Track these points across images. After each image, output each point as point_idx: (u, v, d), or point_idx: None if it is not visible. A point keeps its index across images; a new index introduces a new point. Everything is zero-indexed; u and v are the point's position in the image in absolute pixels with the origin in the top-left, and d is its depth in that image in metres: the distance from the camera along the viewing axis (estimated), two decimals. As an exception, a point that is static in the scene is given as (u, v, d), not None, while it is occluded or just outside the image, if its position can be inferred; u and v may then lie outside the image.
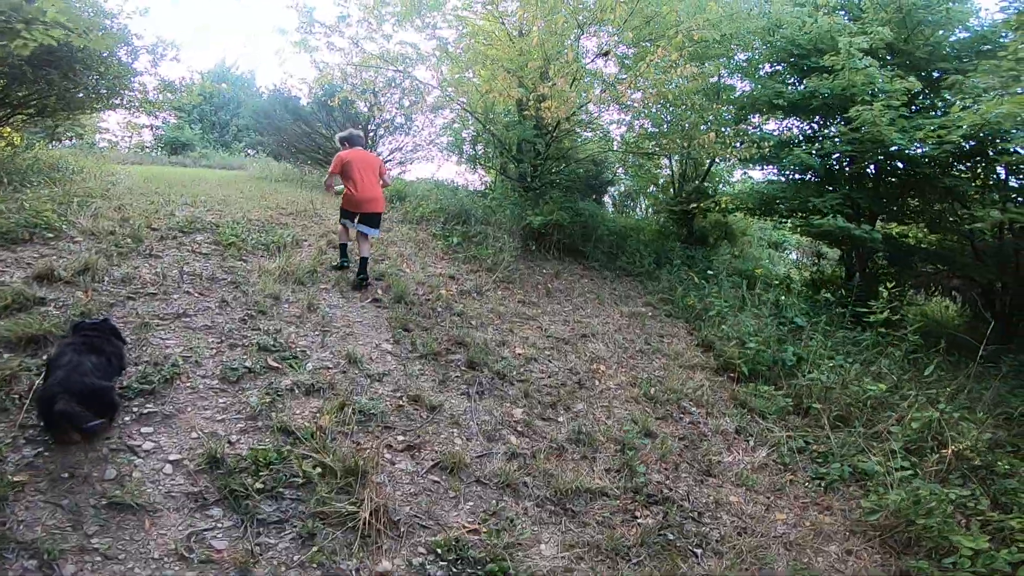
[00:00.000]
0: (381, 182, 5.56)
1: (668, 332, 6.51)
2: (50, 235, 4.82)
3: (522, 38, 7.74)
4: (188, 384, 3.40)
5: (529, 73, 7.45)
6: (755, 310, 6.64)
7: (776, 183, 9.41)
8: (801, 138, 9.44)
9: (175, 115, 22.33)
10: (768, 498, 3.89)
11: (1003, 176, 7.90)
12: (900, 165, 8.32)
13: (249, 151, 21.30)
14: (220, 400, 3.35)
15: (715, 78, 9.71)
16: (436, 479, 3.25)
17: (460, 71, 8.35)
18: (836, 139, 7.93)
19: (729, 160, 10.36)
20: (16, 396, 2.90)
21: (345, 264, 5.58)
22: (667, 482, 3.81)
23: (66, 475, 2.59)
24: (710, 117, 8.74)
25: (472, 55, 7.92)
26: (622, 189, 16.94)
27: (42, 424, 2.72)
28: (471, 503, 3.16)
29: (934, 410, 4.43)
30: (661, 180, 13.14)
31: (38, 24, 3.39)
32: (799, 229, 9.82)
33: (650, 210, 15.10)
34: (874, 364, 5.60)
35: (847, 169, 8.61)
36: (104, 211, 5.79)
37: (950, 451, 4.01)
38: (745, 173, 13.62)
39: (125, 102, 8.52)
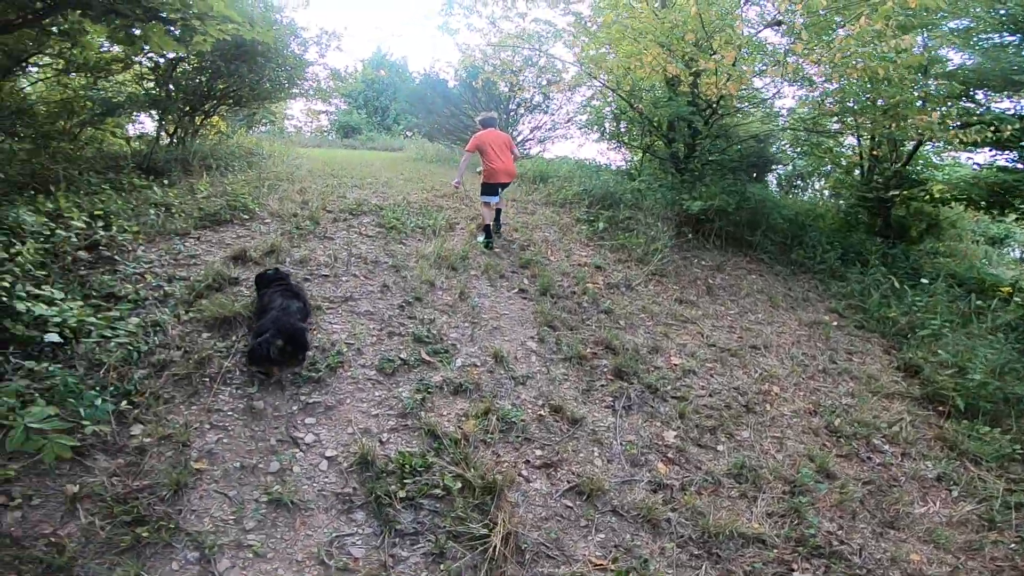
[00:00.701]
0: (513, 156, 6.06)
1: (859, 348, 5.44)
2: (246, 216, 5.40)
3: (666, 10, 6.87)
4: (349, 374, 3.52)
5: (685, 46, 6.56)
6: (986, 334, 5.22)
7: (1014, 171, 7.30)
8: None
9: (344, 101, 24.67)
10: (958, 558, 3.21)
11: None
12: None
13: (407, 133, 22.75)
14: (376, 393, 3.42)
15: (918, 49, 7.78)
16: (569, 504, 2.99)
17: (598, 47, 7.66)
18: None
19: (942, 142, 8.33)
20: (207, 378, 3.20)
21: (491, 244, 5.80)
22: (839, 532, 3.21)
23: (238, 464, 2.78)
24: (918, 93, 7.03)
25: (616, 30, 7.21)
26: (790, 168, 14.88)
27: (249, 357, 3.22)
28: (603, 535, 2.86)
29: None
30: (844, 160, 11.13)
31: (209, 19, 3.61)
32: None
33: (825, 193, 13.04)
34: None
35: None
36: (289, 194, 6.38)
37: None
38: (956, 157, 11.00)
39: (303, 90, 9.38)
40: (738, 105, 8.24)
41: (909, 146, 9.33)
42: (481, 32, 8.42)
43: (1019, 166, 7.63)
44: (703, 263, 6.61)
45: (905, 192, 8.74)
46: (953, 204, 8.57)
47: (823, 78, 7.06)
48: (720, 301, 5.81)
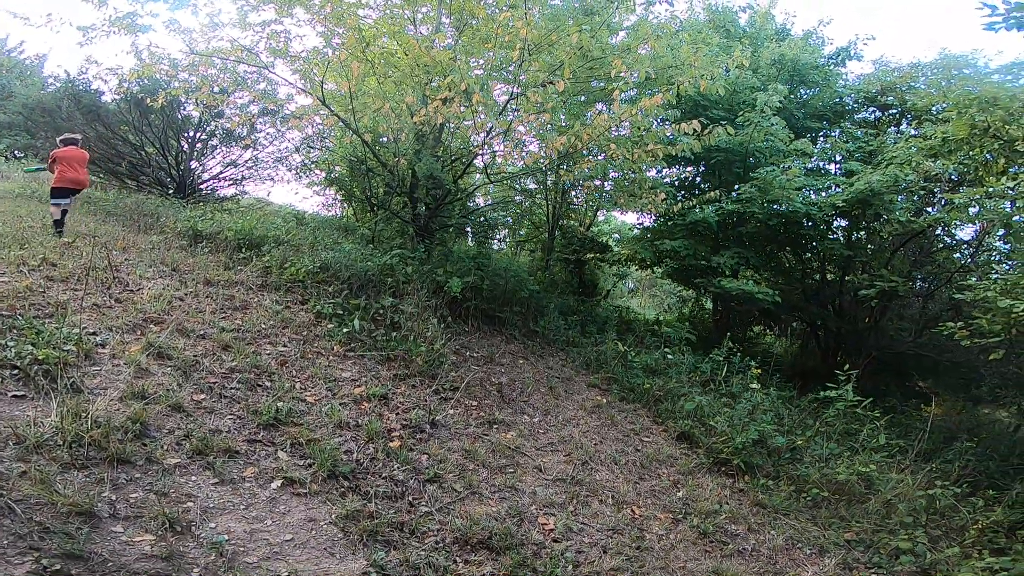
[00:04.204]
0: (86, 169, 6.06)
1: (638, 425, 4.97)
2: None
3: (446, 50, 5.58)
4: None
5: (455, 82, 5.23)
6: (712, 392, 5.48)
7: (674, 236, 8.38)
8: (684, 192, 8.85)
9: None
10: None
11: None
12: (782, 225, 8.02)
13: (16, 153, 14.56)
14: None
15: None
16: None
17: (350, 80, 5.61)
18: (744, 198, 7.31)
19: (618, 207, 9.39)
20: None
21: (61, 234, 5.41)
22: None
23: None
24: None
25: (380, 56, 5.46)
26: (481, 220, 15.21)
27: None
28: None
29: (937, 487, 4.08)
30: (534, 218, 11.62)
31: None
32: (680, 281, 9.21)
33: (505, 242, 13.52)
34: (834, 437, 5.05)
35: (738, 228, 8.13)
36: None
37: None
38: (614, 215, 13.05)
39: None
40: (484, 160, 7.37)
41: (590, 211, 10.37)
42: (189, 36, 5.40)
43: (664, 228, 8.87)
44: (474, 355, 5.21)
45: (600, 255, 9.49)
46: (630, 264, 9.63)
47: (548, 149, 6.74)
48: (518, 407, 4.50)
